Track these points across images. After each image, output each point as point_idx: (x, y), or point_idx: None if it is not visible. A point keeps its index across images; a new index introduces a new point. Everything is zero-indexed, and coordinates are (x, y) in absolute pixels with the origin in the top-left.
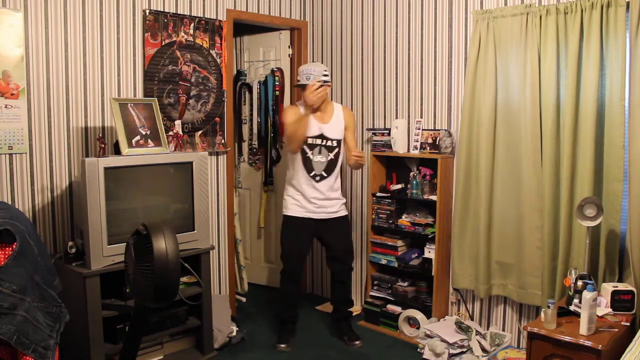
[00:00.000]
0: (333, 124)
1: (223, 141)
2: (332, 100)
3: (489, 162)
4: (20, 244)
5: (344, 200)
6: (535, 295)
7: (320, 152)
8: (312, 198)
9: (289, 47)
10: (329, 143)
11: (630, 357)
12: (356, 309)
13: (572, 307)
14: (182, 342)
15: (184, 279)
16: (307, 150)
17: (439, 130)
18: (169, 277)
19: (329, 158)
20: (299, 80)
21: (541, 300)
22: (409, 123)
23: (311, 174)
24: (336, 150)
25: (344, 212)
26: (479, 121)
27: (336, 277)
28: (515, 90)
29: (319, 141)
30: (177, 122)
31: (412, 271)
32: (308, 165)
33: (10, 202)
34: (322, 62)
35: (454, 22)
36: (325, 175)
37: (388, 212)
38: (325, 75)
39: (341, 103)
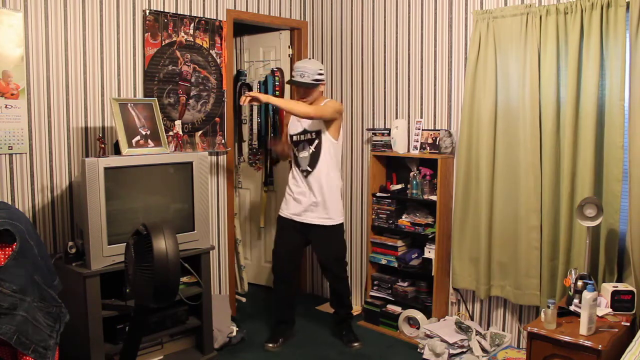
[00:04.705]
0: None
1: (223, 141)
2: (330, 97)
3: (489, 162)
4: (20, 244)
5: (339, 208)
6: (532, 296)
7: (304, 148)
8: (299, 195)
9: (289, 47)
10: (309, 136)
11: (630, 357)
12: (356, 309)
13: (572, 307)
14: (182, 342)
15: (184, 279)
16: (294, 147)
17: (439, 130)
18: (169, 277)
19: (311, 151)
20: (293, 77)
21: (539, 300)
22: (409, 123)
23: (301, 169)
24: (315, 142)
25: (334, 222)
26: (479, 121)
27: (330, 285)
28: (515, 90)
29: (302, 137)
30: (177, 122)
31: (412, 271)
32: (296, 161)
33: (10, 202)
34: (321, 62)
35: (454, 22)
36: (309, 169)
37: (388, 212)
38: (319, 74)
39: (341, 102)
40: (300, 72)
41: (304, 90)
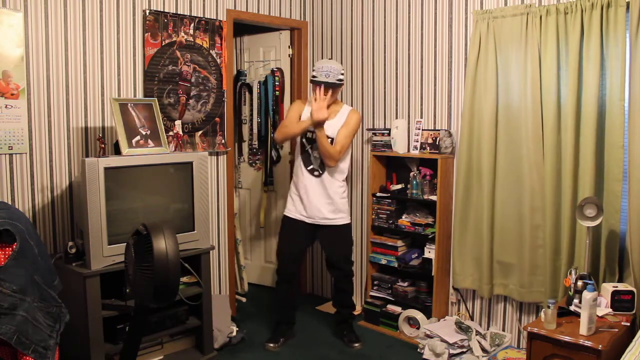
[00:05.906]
0: (334, 121)
1: (223, 141)
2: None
3: (490, 162)
4: (20, 244)
5: (346, 209)
6: (538, 293)
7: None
8: (307, 194)
9: (289, 47)
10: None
11: (630, 357)
12: (356, 309)
13: (572, 307)
14: (182, 342)
15: (184, 279)
16: (306, 144)
17: (439, 130)
18: (169, 277)
19: None
20: (315, 77)
21: (545, 298)
22: (409, 123)
23: (309, 168)
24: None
25: (343, 221)
26: (480, 121)
27: (336, 283)
28: (515, 90)
29: None
30: (177, 122)
31: (412, 271)
32: (306, 159)
33: (10, 202)
34: None
35: (454, 22)
36: (321, 171)
37: (388, 212)
38: (342, 74)
39: (340, 101)
40: (326, 72)
41: (328, 90)
